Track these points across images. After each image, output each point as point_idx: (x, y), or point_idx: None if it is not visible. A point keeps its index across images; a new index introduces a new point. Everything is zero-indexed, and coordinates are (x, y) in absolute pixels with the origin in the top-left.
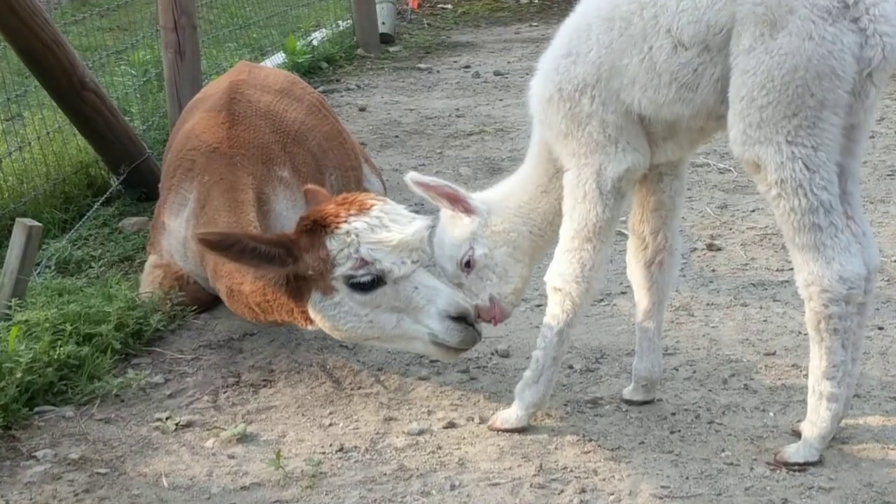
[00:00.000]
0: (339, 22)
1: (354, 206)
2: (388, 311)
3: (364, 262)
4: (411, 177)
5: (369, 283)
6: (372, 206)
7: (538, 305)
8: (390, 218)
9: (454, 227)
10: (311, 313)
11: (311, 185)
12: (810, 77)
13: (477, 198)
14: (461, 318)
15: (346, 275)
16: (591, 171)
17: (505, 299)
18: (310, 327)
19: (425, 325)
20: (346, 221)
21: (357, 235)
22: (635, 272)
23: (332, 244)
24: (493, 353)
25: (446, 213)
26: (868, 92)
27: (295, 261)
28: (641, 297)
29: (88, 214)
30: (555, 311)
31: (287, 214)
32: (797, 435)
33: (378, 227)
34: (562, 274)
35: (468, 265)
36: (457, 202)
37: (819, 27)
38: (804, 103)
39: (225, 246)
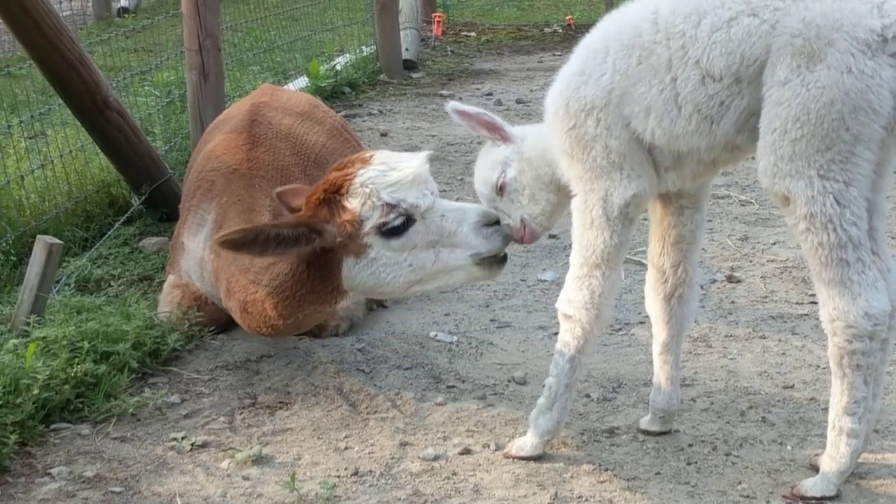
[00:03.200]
0: (363, 47)
1: (356, 163)
2: (424, 248)
3: (391, 206)
4: (452, 106)
5: (402, 225)
6: (371, 156)
7: (556, 333)
8: (394, 161)
9: (489, 152)
10: (347, 283)
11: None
12: (847, 111)
13: (518, 128)
14: (494, 223)
15: (377, 224)
16: (597, 197)
17: (535, 220)
18: (342, 304)
19: (464, 245)
20: (356, 177)
21: (373, 184)
22: (654, 305)
23: (353, 202)
24: (509, 380)
25: (487, 143)
26: None
27: (319, 234)
28: (660, 330)
29: (109, 233)
30: (566, 339)
31: None
32: (815, 469)
33: (387, 171)
34: (571, 301)
35: (501, 188)
36: (494, 130)
37: (858, 61)
38: (839, 137)
39: (248, 241)
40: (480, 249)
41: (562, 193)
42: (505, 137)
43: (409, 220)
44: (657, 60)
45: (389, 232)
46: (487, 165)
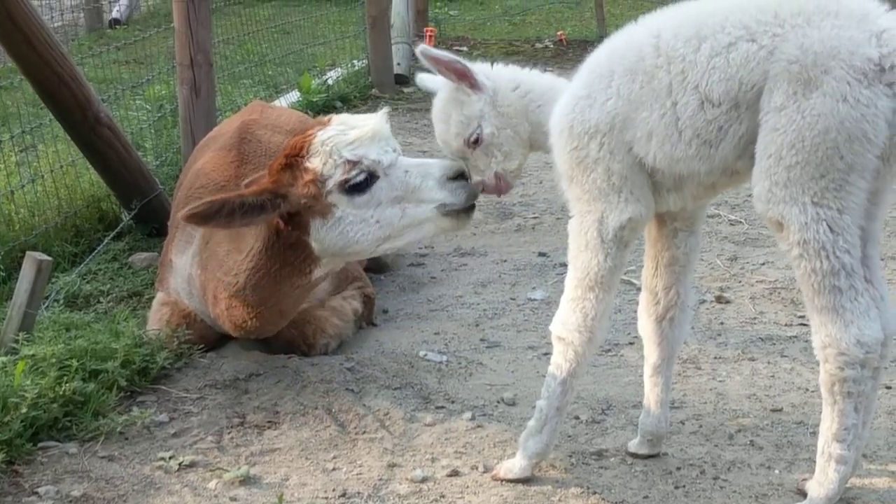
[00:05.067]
0: (355, 61)
1: (315, 126)
2: (389, 204)
3: (352, 163)
4: (421, 49)
5: (364, 181)
6: (329, 119)
7: (545, 354)
8: (353, 121)
9: (461, 105)
10: (317, 247)
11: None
12: (841, 139)
13: (483, 72)
14: (459, 177)
15: (339, 182)
16: (593, 219)
17: (510, 174)
18: (316, 273)
19: (429, 199)
20: (315, 137)
21: (333, 142)
22: (646, 327)
23: (314, 161)
24: (499, 401)
25: (449, 89)
26: None
27: (284, 199)
28: (651, 352)
29: (99, 249)
30: (558, 361)
31: None
32: (802, 494)
33: (347, 129)
34: (565, 323)
35: (476, 142)
36: (464, 77)
37: (854, 89)
38: (833, 165)
39: (214, 212)
40: (446, 201)
41: (533, 146)
42: (475, 86)
43: (371, 177)
44: (658, 85)
45: (353, 189)
46: (460, 119)
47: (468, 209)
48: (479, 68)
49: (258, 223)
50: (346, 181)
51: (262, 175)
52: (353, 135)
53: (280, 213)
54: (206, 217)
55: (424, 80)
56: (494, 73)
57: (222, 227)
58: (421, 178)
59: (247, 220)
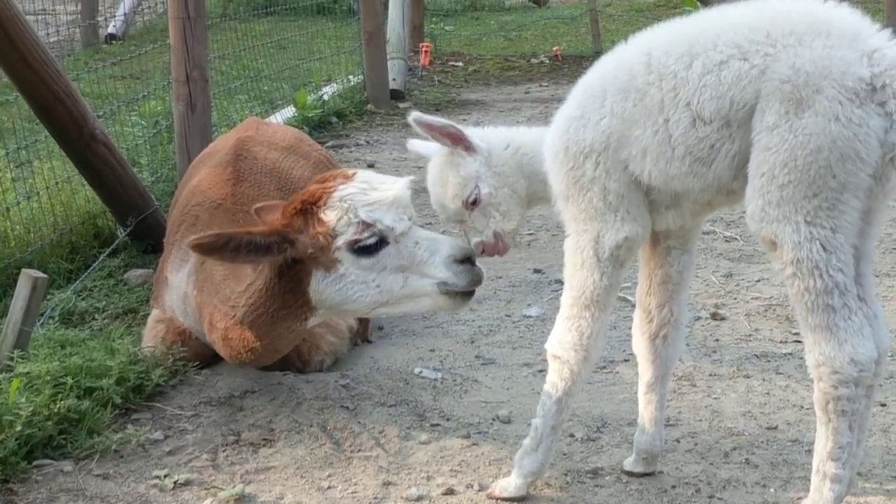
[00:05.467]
0: (350, 77)
1: (338, 178)
2: (393, 271)
3: (366, 225)
4: (415, 116)
5: (374, 245)
6: (354, 174)
7: (541, 371)
8: (376, 181)
9: (458, 167)
10: (315, 297)
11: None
12: (834, 159)
13: (476, 135)
14: (466, 260)
15: (350, 241)
16: (589, 237)
17: (507, 235)
18: (312, 321)
19: (432, 276)
20: (336, 191)
21: (352, 200)
22: (640, 344)
23: (329, 215)
24: (494, 419)
25: (444, 153)
26: (889, 176)
27: (291, 244)
28: (645, 370)
29: (94, 265)
30: (554, 380)
31: None
32: None
33: (368, 189)
34: (561, 341)
35: (474, 203)
36: (458, 141)
37: (846, 109)
38: (825, 184)
39: (220, 245)
40: (448, 282)
41: (532, 201)
42: (469, 148)
43: (382, 242)
44: (651, 102)
45: (361, 250)
46: (458, 181)
47: (467, 294)
48: (472, 131)
49: (261, 263)
50: (357, 241)
51: (274, 206)
52: (373, 196)
53: (284, 258)
54: (212, 249)
55: (416, 145)
56: (486, 135)
57: (226, 260)
58: (429, 254)
59: (251, 258)
